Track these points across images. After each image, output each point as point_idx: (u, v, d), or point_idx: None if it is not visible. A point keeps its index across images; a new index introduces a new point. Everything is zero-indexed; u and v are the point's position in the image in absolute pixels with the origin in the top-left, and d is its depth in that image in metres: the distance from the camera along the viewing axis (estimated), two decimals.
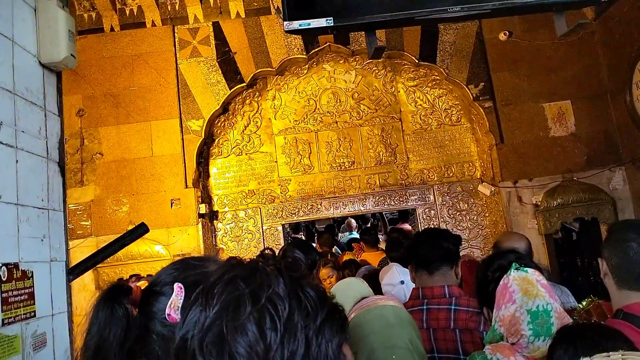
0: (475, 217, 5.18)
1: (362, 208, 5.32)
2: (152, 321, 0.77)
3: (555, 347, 1.24)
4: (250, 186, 5.28)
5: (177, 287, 0.74)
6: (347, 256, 5.61)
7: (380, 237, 6.14)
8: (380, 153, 5.30)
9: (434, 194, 5.25)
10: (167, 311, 0.73)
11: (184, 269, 0.82)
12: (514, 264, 1.52)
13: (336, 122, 5.34)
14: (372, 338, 1.46)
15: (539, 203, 4.83)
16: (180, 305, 0.73)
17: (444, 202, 5.22)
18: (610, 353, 0.89)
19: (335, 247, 6.51)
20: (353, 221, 7.89)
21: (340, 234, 8.11)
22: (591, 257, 4.85)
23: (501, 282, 1.49)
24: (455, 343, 1.91)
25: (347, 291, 1.74)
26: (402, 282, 2.73)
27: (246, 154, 5.32)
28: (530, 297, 1.43)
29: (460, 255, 2.21)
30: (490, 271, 1.61)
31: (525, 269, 1.50)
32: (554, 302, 1.44)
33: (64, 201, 2.12)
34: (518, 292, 1.45)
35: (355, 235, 7.51)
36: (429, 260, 2.10)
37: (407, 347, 1.47)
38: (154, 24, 5.06)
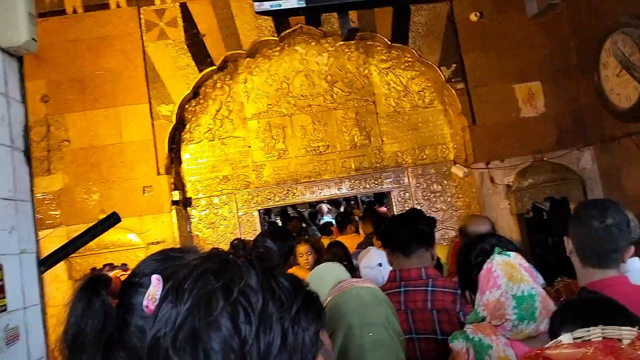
0: (449, 199, 5.26)
1: (337, 192, 5.34)
2: (130, 313, 0.76)
3: (559, 321, 1.24)
4: (224, 172, 5.23)
5: (155, 278, 0.74)
6: (323, 239, 5.66)
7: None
8: (355, 136, 5.31)
9: (408, 176, 5.30)
10: (144, 303, 0.73)
11: (164, 261, 0.82)
12: (496, 249, 1.53)
13: (310, 106, 5.32)
14: (349, 316, 1.48)
15: (511, 184, 4.93)
16: (158, 298, 0.72)
17: (418, 184, 5.28)
18: (591, 328, 0.92)
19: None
20: (324, 206, 7.93)
21: (320, 218, 8.13)
22: (561, 235, 4.97)
23: (484, 267, 1.50)
24: (432, 324, 1.94)
25: (325, 276, 1.75)
26: (380, 265, 2.76)
27: (219, 139, 5.26)
28: (515, 282, 1.44)
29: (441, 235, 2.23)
30: (472, 256, 1.62)
31: (508, 253, 1.51)
32: (537, 286, 1.46)
33: (32, 191, 2.06)
34: (502, 277, 1.46)
35: (329, 219, 7.56)
36: (405, 243, 2.13)
37: (383, 325, 1.49)
38: (118, 5, 4.92)
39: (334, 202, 8.15)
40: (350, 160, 5.31)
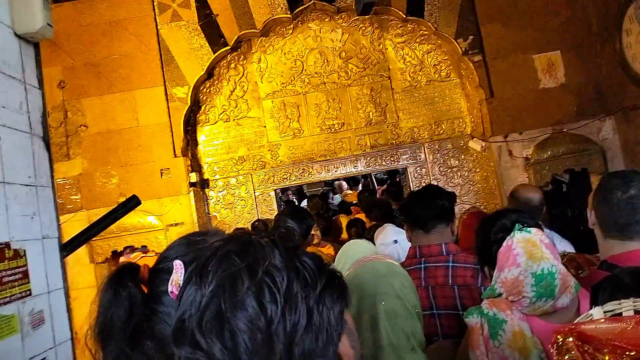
0: (467, 174, 5.21)
1: (353, 169, 5.31)
2: (157, 301, 0.76)
3: (608, 295, 1.18)
4: (239, 152, 5.24)
5: (177, 264, 0.73)
6: (342, 218, 5.67)
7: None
8: (370, 113, 5.26)
9: (424, 152, 5.24)
10: (169, 289, 0.73)
11: (188, 245, 0.81)
12: (517, 225, 1.51)
13: (324, 83, 5.27)
14: (363, 287, 1.49)
15: (530, 156, 4.84)
16: (181, 283, 0.72)
17: (435, 160, 5.23)
18: (622, 300, 0.90)
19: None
20: (344, 183, 7.93)
21: (333, 196, 8.15)
22: (581, 208, 4.91)
23: (504, 244, 1.48)
24: (454, 300, 1.93)
25: (352, 252, 1.75)
26: (396, 242, 2.77)
27: (234, 120, 5.25)
28: (534, 260, 1.42)
29: (467, 208, 2.23)
30: (492, 232, 1.60)
31: (529, 229, 1.48)
32: (558, 263, 1.44)
33: (52, 176, 2.08)
34: (522, 255, 1.43)
35: (338, 199, 7.58)
36: (424, 219, 2.13)
37: (396, 294, 1.48)
38: None
39: (352, 180, 8.14)
40: (365, 138, 5.27)
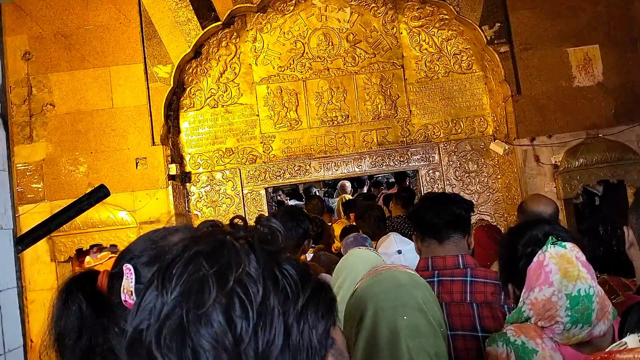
0: (486, 180, 5.19)
1: (357, 169, 5.30)
2: (114, 311, 0.74)
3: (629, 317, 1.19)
4: (227, 144, 5.22)
5: (126, 268, 0.71)
6: (336, 225, 5.64)
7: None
8: (379, 106, 5.25)
9: (439, 153, 5.23)
10: (122, 297, 0.71)
11: (148, 243, 0.79)
12: (550, 238, 1.48)
13: (328, 69, 5.25)
14: (381, 297, 1.44)
15: (559, 163, 4.83)
16: (133, 290, 0.71)
17: (451, 163, 5.22)
18: None
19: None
20: (348, 183, 7.94)
21: (329, 199, 8.14)
22: (614, 224, 4.90)
23: (535, 259, 1.46)
24: (472, 319, 1.92)
25: (359, 263, 1.72)
26: (399, 252, 2.76)
27: (223, 106, 5.24)
28: (570, 279, 1.40)
29: (476, 220, 2.23)
30: (521, 244, 1.58)
31: (564, 243, 1.46)
32: (596, 284, 1.42)
33: (10, 159, 2.04)
34: (556, 272, 1.41)
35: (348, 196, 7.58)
36: (437, 227, 2.13)
37: (420, 308, 1.45)
38: None
39: (357, 181, 8.14)
40: (372, 133, 5.25)
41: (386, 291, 1.45)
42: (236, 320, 0.63)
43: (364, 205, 5.13)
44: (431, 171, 5.24)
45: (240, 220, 0.75)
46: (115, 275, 0.77)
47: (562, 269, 1.42)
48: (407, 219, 4.06)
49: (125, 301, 0.72)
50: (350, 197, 7.60)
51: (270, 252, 0.70)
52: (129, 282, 0.73)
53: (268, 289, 0.66)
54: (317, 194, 8.11)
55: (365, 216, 4.24)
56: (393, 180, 7.95)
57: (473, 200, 5.02)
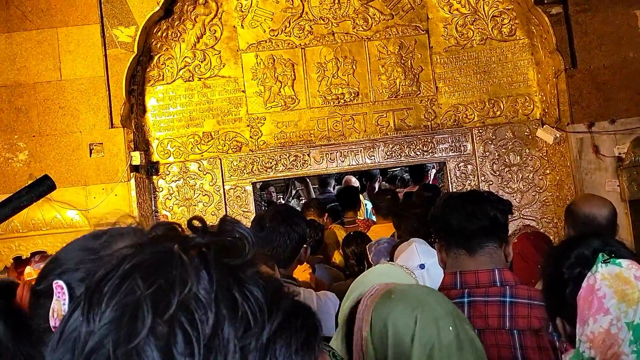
0: (531, 175, 5.19)
1: (368, 161, 5.29)
2: (37, 339, 0.73)
3: None
4: (206, 127, 5.23)
5: (57, 286, 0.70)
6: (338, 230, 5.60)
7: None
8: (397, 81, 5.25)
9: (472, 141, 5.22)
10: (51, 323, 0.69)
11: (84, 251, 0.77)
12: (600, 255, 1.47)
13: (333, 34, 5.25)
14: (421, 300, 1.50)
15: (624, 156, 4.82)
16: (65, 313, 0.69)
17: (487, 154, 5.21)
18: None
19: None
20: (353, 179, 7.92)
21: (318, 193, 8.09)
22: None
23: (584, 284, 1.45)
24: (512, 350, 1.91)
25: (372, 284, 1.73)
26: (422, 267, 2.77)
27: (200, 79, 5.23)
28: (630, 303, 1.39)
29: (521, 226, 2.23)
30: (566, 267, 1.58)
31: (618, 260, 1.45)
32: None
33: None
34: (611, 297, 1.40)
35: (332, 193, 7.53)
36: (467, 234, 2.13)
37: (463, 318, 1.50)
38: None
39: (366, 176, 8.10)
40: (388, 116, 5.26)
41: (437, 300, 1.49)
42: (177, 357, 0.61)
43: (404, 203, 5.15)
44: (462, 164, 5.24)
45: (198, 223, 0.73)
46: (43, 294, 0.76)
47: (618, 292, 1.41)
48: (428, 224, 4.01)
49: (54, 327, 0.70)
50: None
51: (229, 267, 0.68)
52: (60, 303, 0.73)
53: (222, 317, 0.64)
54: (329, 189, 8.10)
55: (404, 215, 4.11)
56: (408, 176, 7.92)
57: (514, 201, 5.01)
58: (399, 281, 1.75)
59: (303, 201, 7.61)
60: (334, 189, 7.83)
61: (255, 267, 0.70)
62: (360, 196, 6.87)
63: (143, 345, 0.60)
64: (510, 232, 4.19)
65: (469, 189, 5.03)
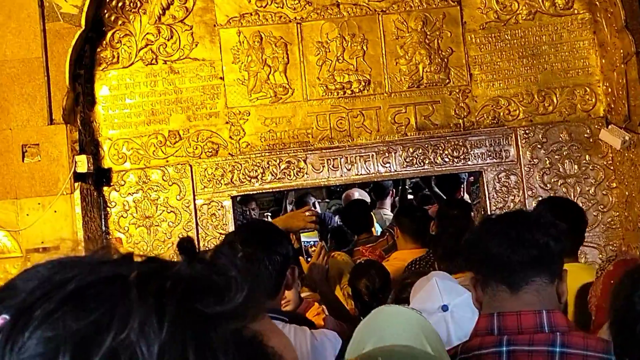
0: (593, 190, 5.19)
1: (381, 169, 5.29)
2: None
3: None
4: (172, 124, 5.24)
5: (2, 320, 0.70)
6: (339, 257, 5.57)
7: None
8: (420, 66, 5.27)
9: (516, 144, 5.23)
10: None
11: (44, 285, 0.78)
12: None
13: (337, 5, 5.26)
14: None
15: None
16: None
17: (536, 161, 5.22)
18: None
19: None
20: (357, 192, 7.89)
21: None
22: None
23: None
24: None
25: (381, 329, 1.74)
26: (445, 308, 2.77)
27: (166, 62, 5.25)
28: None
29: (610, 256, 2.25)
30: (637, 297, 1.61)
31: None
32: None
33: None
34: None
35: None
36: (511, 266, 2.14)
37: None
38: None
39: (375, 190, 8.06)
40: (408, 111, 5.27)
41: None
42: None
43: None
44: (503, 174, 5.23)
45: (188, 246, 0.73)
46: None
47: None
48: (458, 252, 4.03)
49: None
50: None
51: (198, 316, 0.66)
52: None
53: None
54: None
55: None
56: (426, 190, 7.85)
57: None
58: (412, 329, 1.75)
59: None
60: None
61: (238, 322, 0.69)
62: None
63: None
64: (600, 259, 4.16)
65: (511, 206, 5.03)
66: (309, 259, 4.42)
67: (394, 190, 8.13)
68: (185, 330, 0.64)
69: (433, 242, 4.71)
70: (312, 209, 4.96)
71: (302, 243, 4.75)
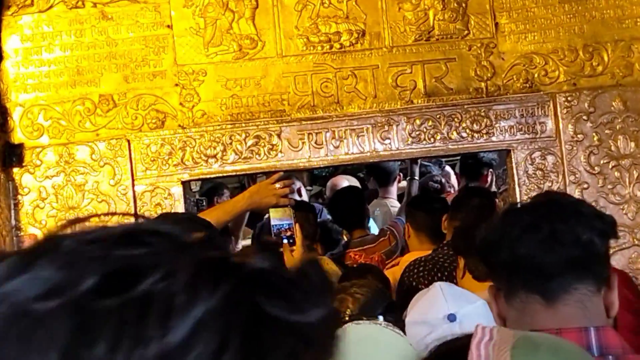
0: None
1: (379, 148, 5.29)
2: None
3: None
4: (104, 86, 5.22)
5: None
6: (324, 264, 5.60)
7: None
8: (430, 12, 5.27)
9: (555, 115, 5.23)
10: None
11: None
12: None
13: None
14: None
15: None
16: None
17: (580, 137, 5.23)
18: None
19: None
20: (345, 179, 7.91)
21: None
22: None
23: None
24: None
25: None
26: (452, 318, 2.82)
27: (95, 5, 5.21)
28: None
29: None
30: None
31: None
32: None
33: None
34: None
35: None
36: (545, 270, 2.14)
37: None
38: None
39: (378, 172, 8.05)
40: (415, 72, 5.28)
41: None
42: None
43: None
44: (538, 154, 5.24)
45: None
46: None
47: None
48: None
49: None
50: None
51: (257, 310, 0.70)
52: None
53: None
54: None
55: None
56: (438, 178, 7.86)
57: (623, 217, 5.03)
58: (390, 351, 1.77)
59: None
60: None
61: (300, 342, 0.72)
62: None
63: None
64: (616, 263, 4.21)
65: (546, 196, 5.03)
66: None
67: (402, 174, 8.12)
68: (236, 312, 0.69)
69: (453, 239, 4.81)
70: (286, 180, 4.86)
71: (272, 227, 4.74)
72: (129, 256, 0.70)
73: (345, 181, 7.96)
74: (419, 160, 7.09)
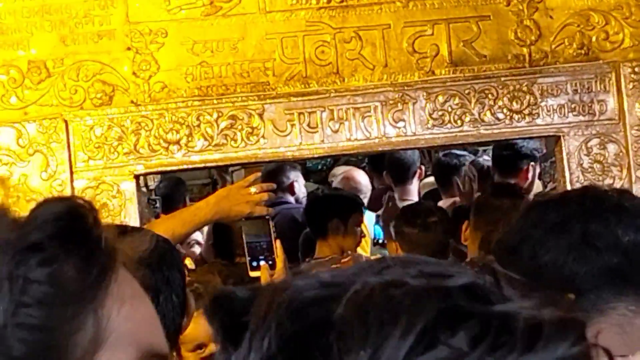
0: None
1: (391, 132, 5.34)
2: None
3: None
4: (36, 49, 5.25)
5: None
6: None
7: None
8: None
9: (619, 91, 5.24)
10: None
11: None
12: None
13: None
14: None
15: None
16: None
17: None
18: None
19: None
20: (362, 177, 7.96)
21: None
22: None
23: None
24: None
25: None
26: None
27: None
28: None
29: None
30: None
31: None
32: None
33: None
34: None
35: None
36: (575, 280, 2.14)
37: None
38: None
39: (395, 163, 8.11)
40: (437, 34, 5.32)
41: None
42: None
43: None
44: (596, 141, 5.26)
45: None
46: None
47: None
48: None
49: None
50: None
51: None
52: None
53: None
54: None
55: None
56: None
57: None
58: None
59: None
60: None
61: None
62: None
63: None
64: None
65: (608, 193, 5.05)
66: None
67: (422, 166, 8.15)
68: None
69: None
70: (265, 183, 4.84)
71: (247, 244, 4.71)
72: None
73: (364, 176, 7.99)
74: None
